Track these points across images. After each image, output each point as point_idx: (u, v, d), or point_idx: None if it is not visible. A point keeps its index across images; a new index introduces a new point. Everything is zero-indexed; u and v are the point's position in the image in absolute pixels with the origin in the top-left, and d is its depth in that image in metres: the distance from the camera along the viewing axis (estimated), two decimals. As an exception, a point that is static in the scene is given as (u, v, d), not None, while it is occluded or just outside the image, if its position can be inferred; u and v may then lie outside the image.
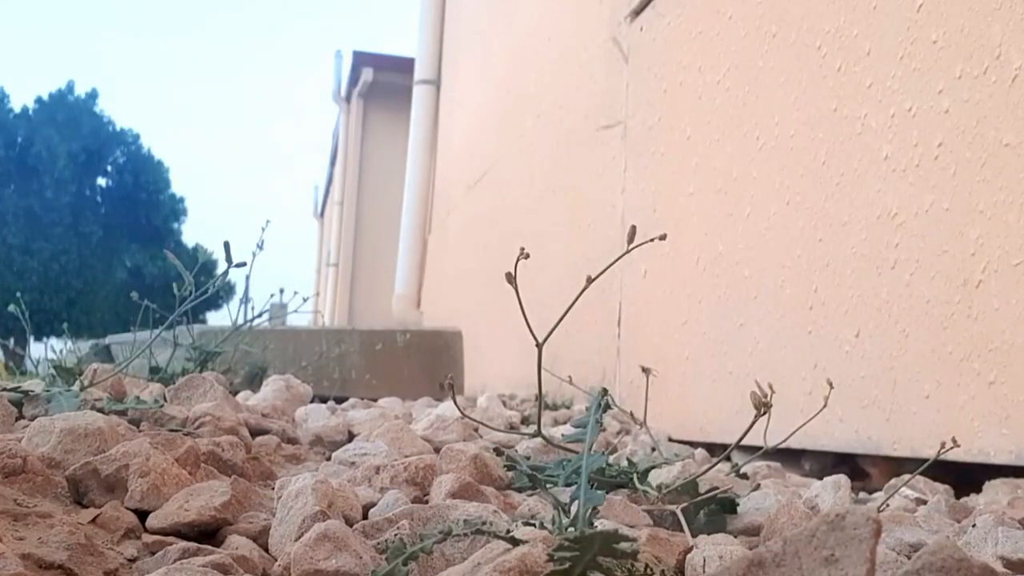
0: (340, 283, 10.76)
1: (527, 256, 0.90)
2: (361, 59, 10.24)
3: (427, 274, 6.44)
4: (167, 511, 0.94)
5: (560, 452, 1.30)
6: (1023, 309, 1.41)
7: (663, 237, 1.01)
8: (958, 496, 1.49)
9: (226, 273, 1.78)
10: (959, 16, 1.56)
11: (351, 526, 0.90)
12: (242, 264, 1.73)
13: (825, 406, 1.22)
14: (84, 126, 22.89)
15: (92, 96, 23.59)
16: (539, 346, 0.97)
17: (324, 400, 2.07)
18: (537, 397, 1.10)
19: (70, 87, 23.32)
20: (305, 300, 2.55)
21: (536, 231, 3.83)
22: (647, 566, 0.85)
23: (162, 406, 1.40)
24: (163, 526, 0.92)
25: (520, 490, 1.20)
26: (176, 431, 1.28)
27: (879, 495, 1.49)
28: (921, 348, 1.61)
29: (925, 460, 1.24)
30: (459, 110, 5.92)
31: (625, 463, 1.23)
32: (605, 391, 1.07)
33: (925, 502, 1.34)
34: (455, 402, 1.14)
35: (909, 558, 0.92)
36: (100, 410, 1.29)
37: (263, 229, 2.08)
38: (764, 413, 0.99)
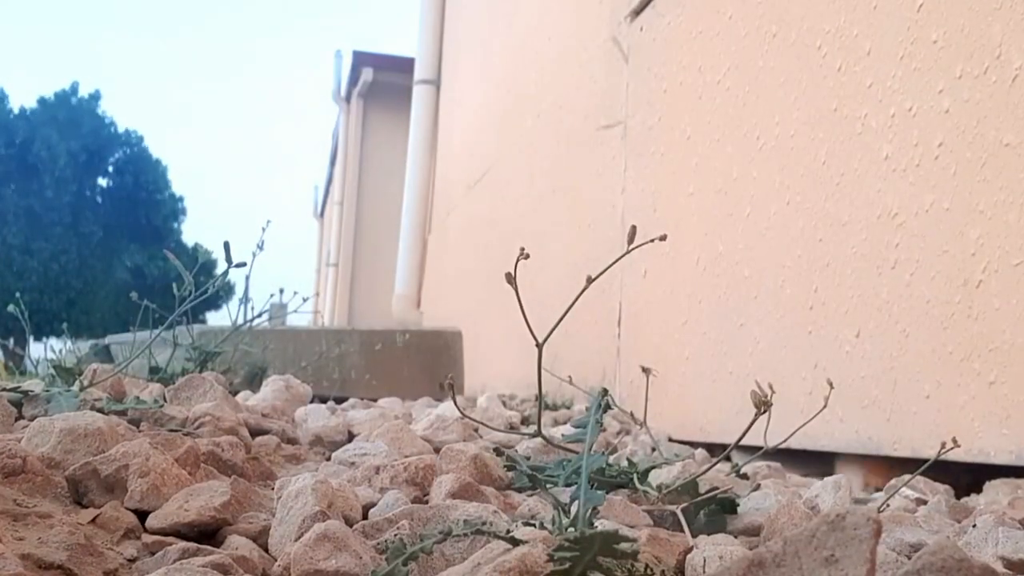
0: (340, 283, 10.76)
1: (527, 256, 0.90)
2: (361, 59, 10.24)
3: (427, 274, 6.44)
4: (167, 511, 0.94)
5: (560, 452, 1.30)
6: (1023, 309, 1.41)
7: (663, 238, 1.01)
8: (958, 496, 1.49)
9: (226, 273, 1.78)
10: (959, 16, 1.56)
11: (351, 526, 0.90)
12: (242, 264, 1.73)
13: (825, 406, 1.22)
14: (85, 126, 22.89)
15: (95, 97, 23.61)
16: (539, 346, 0.97)
17: (324, 400, 2.07)
18: (537, 397, 1.10)
19: (74, 88, 23.34)
20: (305, 300, 2.55)
21: (536, 231, 3.83)
22: (647, 566, 0.85)
23: (162, 406, 1.40)
24: (163, 526, 0.92)
25: (520, 490, 1.20)
26: (176, 431, 1.28)
27: (879, 495, 1.49)
28: (921, 348, 1.61)
29: (925, 460, 1.24)
30: (459, 110, 5.92)
31: (625, 463, 1.23)
32: (605, 391, 1.07)
33: (925, 502, 1.33)
34: (455, 402, 1.14)
35: (909, 558, 0.92)
36: (100, 410, 1.28)
37: (263, 229, 2.08)
38: (764, 413, 0.99)
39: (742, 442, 1.10)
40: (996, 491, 1.45)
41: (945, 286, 1.56)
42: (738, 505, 1.16)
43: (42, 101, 22.78)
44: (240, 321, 2.20)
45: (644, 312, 2.71)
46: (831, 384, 1.24)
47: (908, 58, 1.67)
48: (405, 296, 6.44)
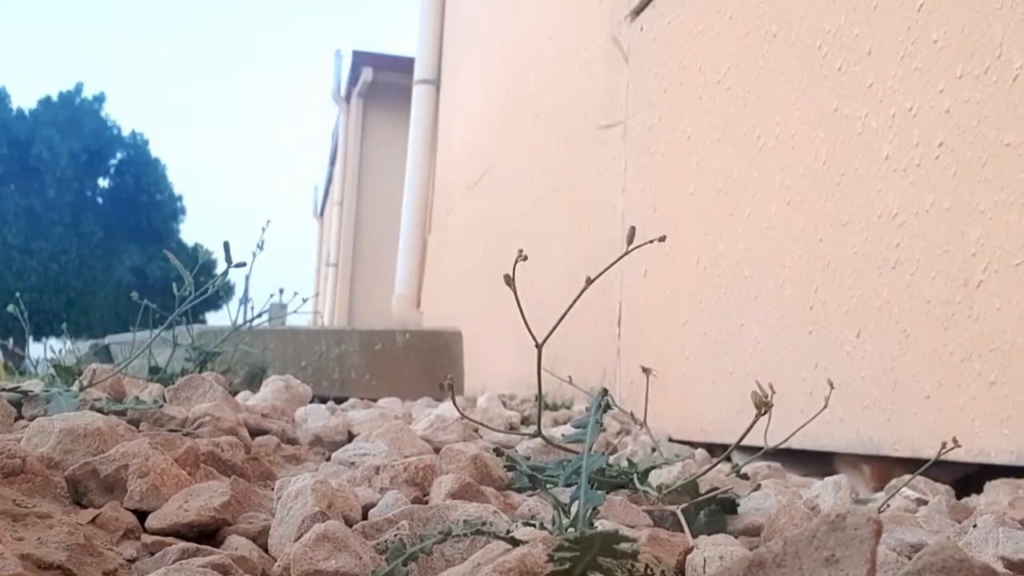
0: (340, 283, 10.76)
1: (525, 258, 0.90)
2: (361, 59, 10.24)
3: (427, 274, 6.43)
4: (166, 511, 0.93)
5: (560, 452, 1.30)
6: (1023, 309, 1.41)
7: (663, 238, 1.01)
8: (959, 497, 1.48)
9: (226, 273, 1.77)
10: (960, 16, 1.56)
11: (351, 526, 0.90)
12: (242, 264, 1.73)
13: (826, 406, 1.22)
14: (86, 127, 22.90)
15: (99, 99, 23.63)
16: (539, 346, 0.97)
17: (324, 400, 2.06)
18: (537, 397, 1.10)
19: (78, 88, 23.36)
20: (305, 301, 2.54)
21: (536, 231, 3.83)
22: (647, 566, 0.85)
23: (161, 406, 1.40)
24: (162, 526, 0.92)
25: (520, 490, 1.20)
26: (175, 431, 1.28)
27: (880, 495, 1.49)
28: (922, 348, 1.61)
29: (926, 460, 1.23)
30: (459, 110, 5.92)
31: (625, 463, 1.23)
32: (605, 391, 1.06)
33: (926, 502, 1.33)
34: (455, 402, 1.14)
35: (910, 559, 0.92)
36: (99, 410, 1.28)
37: (263, 229, 2.08)
38: (764, 413, 0.99)
39: (742, 442, 1.10)
40: (996, 491, 1.45)
41: (946, 286, 1.56)
42: (738, 505, 1.16)
43: (44, 101, 22.79)
44: (240, 321, 2.20)
45: (644, 312, 2.70)
46: (831, 384, 1.24)
47: (909, 58, 1.67)
48: (405, 296, 6.44)
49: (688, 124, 2.50)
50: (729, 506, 1.15)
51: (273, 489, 1.11)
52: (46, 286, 21.35)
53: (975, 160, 1.51)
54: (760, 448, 1.21)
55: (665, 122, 2.65)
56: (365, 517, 1.01)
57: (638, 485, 1.17)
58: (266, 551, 0.91)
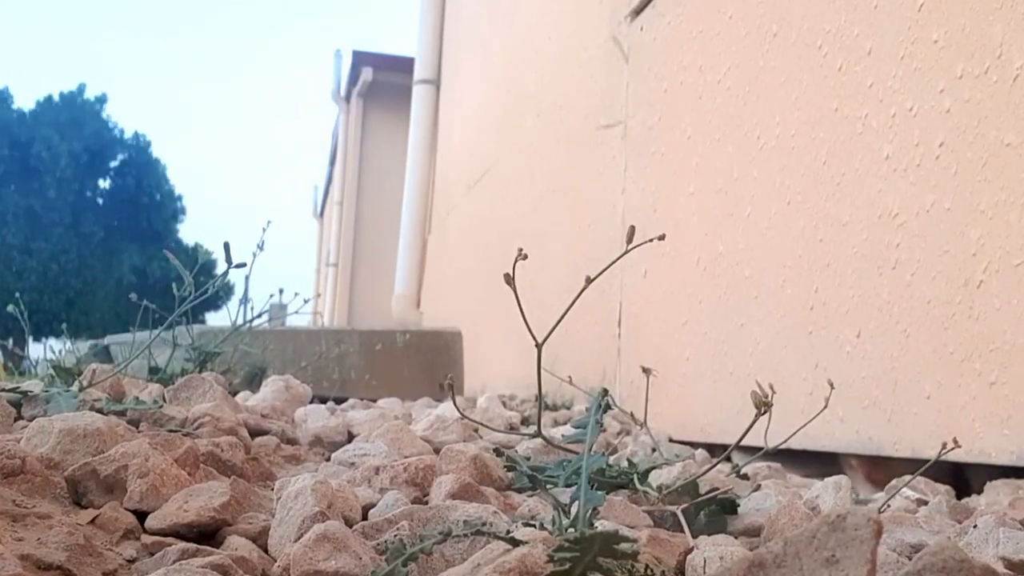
0: (340, 283, 10.76)
1: (525, 257, 0.90)
2: (361, 59, 10.24)
3: (427, 274, 6.43)
4: (166, 512, 0.93)
5: (560, 453, 1.29)
6: (1024, 309, 1.41)
7: (662, 237, 1.01)
8: (959, 497, 1.48)
9: (226, 273, 1.77)
10: (960, 15, 1.56)
11: (351, 527, 0.90)
12: (242, 265, 1.73)
13: (826, 407, 1.22)
14: (88, 128, 22.89)
15: (101, 100, 23.62)
16: (539, 346, 0.97)
17: (324, 400, 2.06)
18: (537, 397, 1.10)
19: (80, 89, 23.36)
20: (306, 302, 2.54)
21: (536, 231, 3.83)
22: (647, 567, 0.85)
23: (161, 407, 1.40)
24: (162, 527, 0.92)
25: (520, 491, 1.20)
26: (175, 432, 1.28)
27: (880, 495, 1.49)
28: (922, 348, 1.61)
29: (926, 461, 1.23)
30: (459, 110, 5.92)
31: (625, 464, 1.23)
32: (605, 391, 1.06)
33: (926, 503, 1.33)
34: (455, 402, 1.14)
35: (910, 559, 0.92)
36: (99, 411, 1.28)
37: (264, 230, 2.08)
38: (764, 413, 0.99)
39: (743, 443, 1.10)
40: (997, 491, 1.44)
41: (946, 286, 1.56)
42: (738, 506, 1.16)
43: (45, 101, 22.78)
44: (240, 321, 2.20)
45: (644, 312, 2.70)
46: (832, 384, 1.24)
47: (909, 58, 1.67)
48: (405, 296, 6.44)
49: (688, 124, 2.50)
50: (729, 506, 1.15)
51: (273, 489, 1.11)
52: (46, 286, 21.35)
53: (975, 160, 1.51)
54: (760, 448, 1.21)
55: (665, 122, 2.65)
56: (365, 517, 1.01)
57: (638, 485, 1.17)
58: (266, 551, 0.91)
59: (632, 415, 1.70)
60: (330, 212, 13.38)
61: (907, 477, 1.41)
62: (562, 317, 0.98)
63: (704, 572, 0.86)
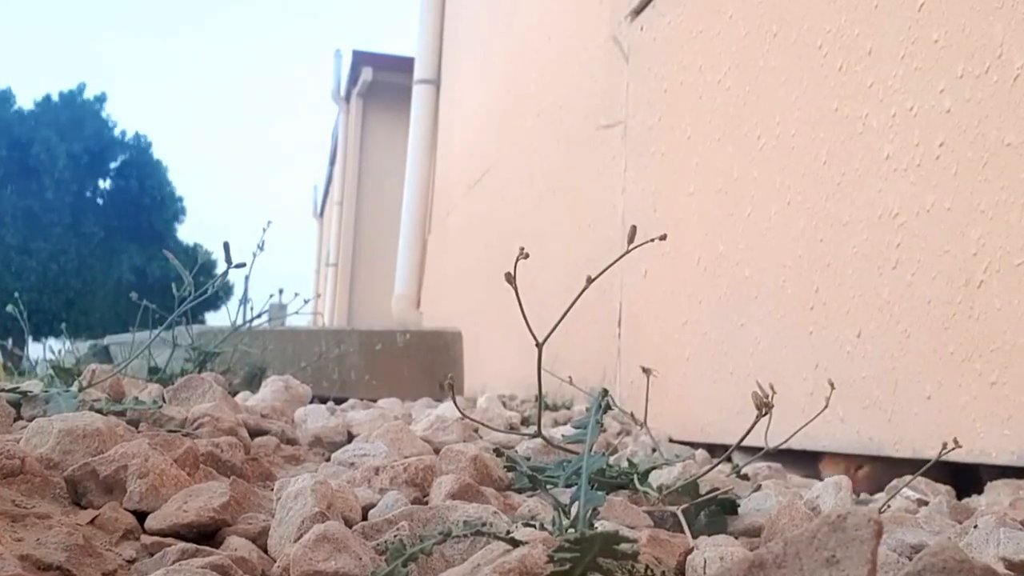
0: (340, 283, 10.75)
1: (526, 256, 0.90)
2: (361, 58, 10.23)
3: (427, 274, 6.43)
4: (166, 512, 0.93)
5: (560, 453, 1.29)
6: (1025, 309, 1.41)
7: (663, 237, 1.01)
8: (959, 497, 1.48)
9: (226, 273, 1.77)
10: (960, 15, 1.56)
11: (350, 527, 0.90)
12: (241, 264, 1.73)
13: (826, 407, 1.22)
14: (87, 128, 22.88)
15: (100, 99, 23.60)
16: (539, 346, 0.97)
17: (323, 401, 2.06)
18: (537, 398, 1.09)
19: (80, 88, 23.33)
20: (307, 302, 2.54)
21: (536, 231, 3.83)
22: (647, 567, 0.84)
23: (161, 407, 1.40)
24: (162, 527, 0.92)
25: (520, 491, 1.20)
26: (175, 432, 1.28)
27: (880, 496, 1.49)
28: (923, 348, 1.60)
29: (927, 461, 1.23)
30: (459, 110, 5.92)
31: (625, 464, 1.23)
32: (605, 392, 1.06)
33: (926, 503, 1.33)
34: (455, 402, 1.14)
35: (910, 559, 0.92)
36: (99, 411, 1.28)
37: (264, 230, 2.08)
38: (765, 414, 0.99)
39: (743, 443, 1.10)
40: (997, 492, 1.44)
41: (946, 286, 1.56)
42: (739, 506, 1.16)
43: (44, 101, 22.76)
44: (239, 321, 2.20)
45: (644, 312, 2.70)
46: (832, 384, 1.24)
47: (909, 57, 1.67)
48: (405, 296, 6.44)
49: (688, 124, 2.50)
50: (729, 507, 1.15)
51: (273, 490, 1.11)
52: (45, 286, 21.34)
53: (976, 160, 1.51)
54: (761, 448, 1.21)
55: (665, 122, 2.65)
56: (365, 518, 1.01)
57: (638, 486, 1.17)
58: (266, 552, 0.91)
59: (632, 415, 1.70)
60: (330, 212, 13.38)
61: (907, 477, 1.41)
62: (563, 317, 0.98)
63: (704, 572, 0.86)
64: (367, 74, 10.00)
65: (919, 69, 1.64)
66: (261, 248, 2.03)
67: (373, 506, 1.05)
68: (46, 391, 1.39)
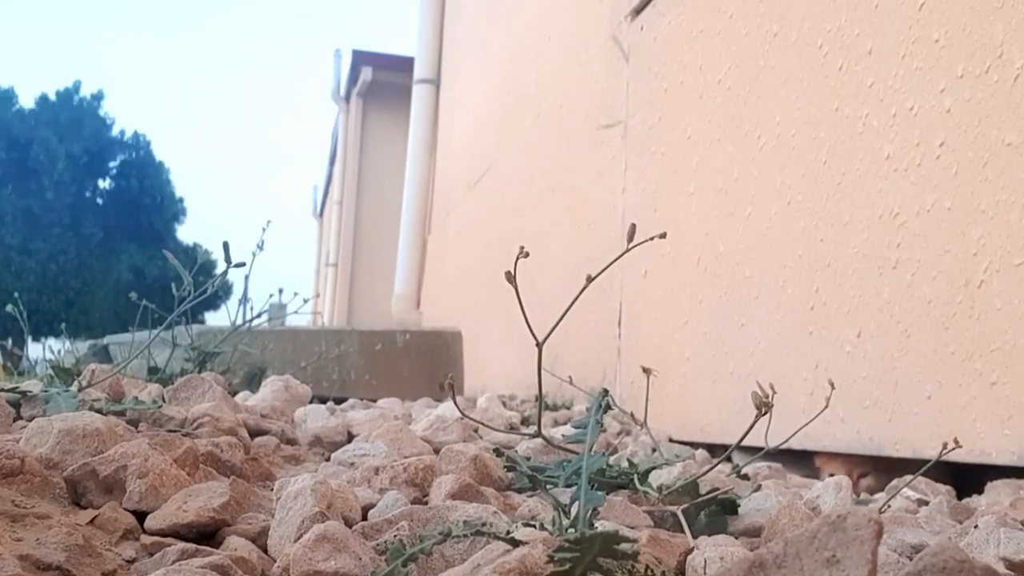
0: (339, 283, 10.75)
1: (526, 255, 0.90)
2: (360, 58, 10.23)
3: (427, 274, 6.43)
4: (165, 512, 0.93)
5: (560, 453, 1.29)
6: (1025, 309, 1.41)
7: (663, 235, 1.00)
8: (960, 497, 1.48)
9: (225, 273, 1.77)
10: (961, 15, 1.55)
11: (350, 527, 0.90)
12: (241, 264, 1.73)
13: (827, 407, 1.22)
14: (86, 127, 22.86)
15: (98, 97, 23.58)
16: (539, 346, 0.97)
17: (323, 401, 2.06)
18: (537, 397, 1.09)
19: (76, 86, 23.30)
20: (306, 302, 2.54)
21: (536, 231, 3.82)
22: (648, 567, 0.84)
23: (160, 407, 1.39)
24: (161, 527, 0.92)
25: (520, 491, 1.20)
26: (175, 432, 1.28)
27: (880, 496, 1.49)
28: (923, 348, 1.60)
29: (927, 461, 1.23)
30: (459, 110, 5.92)
31: (625, 464, 1.23)
32: (605, 391, 1.06)
33: (927, 503, 1.33)
34: (455, 402, 1.13)
35: (911, 559, 0.92)
36: (98, 411, 1.28)
37: (264, 229, 2.08)
38: (765, 414, 0.99)
39: (743, 443, 1.09)
40: (998, 492, 1.44)
41: (947, 286, 1.55)
42: (739, 506, 1.16)
43: (41, 100, 22.75)
44: (239, 321, 2.20)
45: (644, 312, 2.70)
46: (832, 384, 1.24)
47: (909, 57, 1.67)
48: (405, 296, 6.44)
49: (688, 124, 2.50)
50: (730, 507, 1.15)
51: (272, 490, 1.11)
52: (45, 286, 21.33)
53: (976, 160, 1.50)
54: (761, 448, 1.21)
55: (665, 122, 2.65)
56: (365, 518, 1.01)
57: (638, 486, 1.17)
58: (265, 552, 0.90)
59: (632, 415, 1.70)
60: (330, 212, 13.37)
61: (908, 477, 1.41)
62: (562, 317, 0.98)
63: (704, 572, 0.86)
64: (367, 74, 10.00)
65: (919, 69, 1.64)
66: (261, 248, 2.03)
67: (373, 506, 1.05)
68: (46, 391, 1.39)
